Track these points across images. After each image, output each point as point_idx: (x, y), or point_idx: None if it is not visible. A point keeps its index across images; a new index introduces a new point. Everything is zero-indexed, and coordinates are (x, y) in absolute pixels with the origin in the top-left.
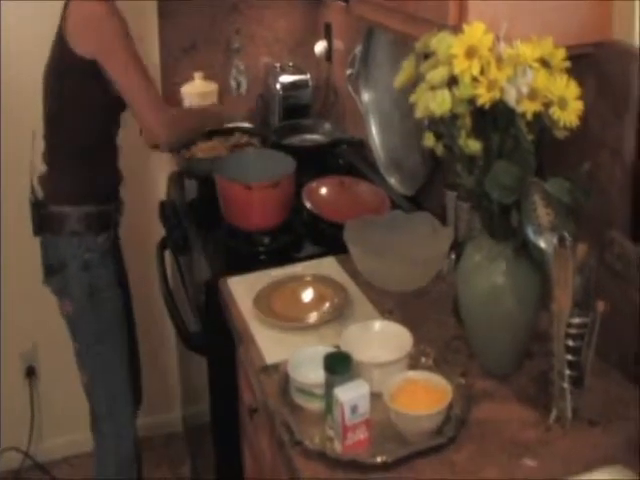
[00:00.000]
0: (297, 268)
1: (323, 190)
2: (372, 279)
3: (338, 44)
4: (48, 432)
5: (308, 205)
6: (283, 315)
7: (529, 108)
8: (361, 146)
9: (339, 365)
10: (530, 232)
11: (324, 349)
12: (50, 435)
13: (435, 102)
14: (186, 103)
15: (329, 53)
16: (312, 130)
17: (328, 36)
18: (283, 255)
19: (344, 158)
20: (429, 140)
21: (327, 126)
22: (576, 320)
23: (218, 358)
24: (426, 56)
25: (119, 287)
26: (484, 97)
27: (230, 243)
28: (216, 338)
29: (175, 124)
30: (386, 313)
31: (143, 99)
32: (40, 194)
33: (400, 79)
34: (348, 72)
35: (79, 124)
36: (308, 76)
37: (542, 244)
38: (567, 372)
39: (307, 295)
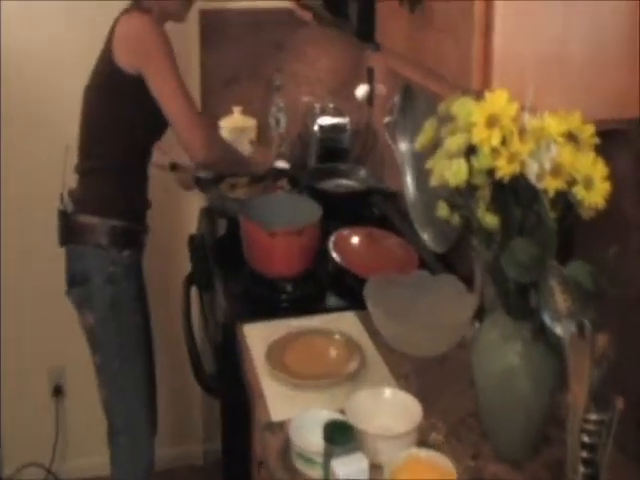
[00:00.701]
0: (315, 321)
1: (351, 240)
2: (391, 341)
3: (380, 89)
4: (72, 452)
5: (334, 255)
6: (294, 371)
7: (551, 185)
8: (396, 197)
9: (339, 435)
10: (547, 317)
11: (328, 414)
12: (74, 455)
13: (450, 171)
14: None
15: (371, 97)
16: (348, 175)
17: (370, 80)
18: (304, 305)
19: (378, 207)
20: (442, 210)
21: (363, 173)
22: (593, 416)
23: (232, 402)
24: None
25: (142, 304)
26: (504, 170)
27: (251, 288)
28: (231, 381)
29: (214, 147)
30: (401, 379)
31: (184, 116)
32: (69, 206)
33: (421, 141)
34: (386, 120)
35: (116, 142)
36: (347, 119)
37: (559, 331)
38: (581, 469)
39: (322, 352)
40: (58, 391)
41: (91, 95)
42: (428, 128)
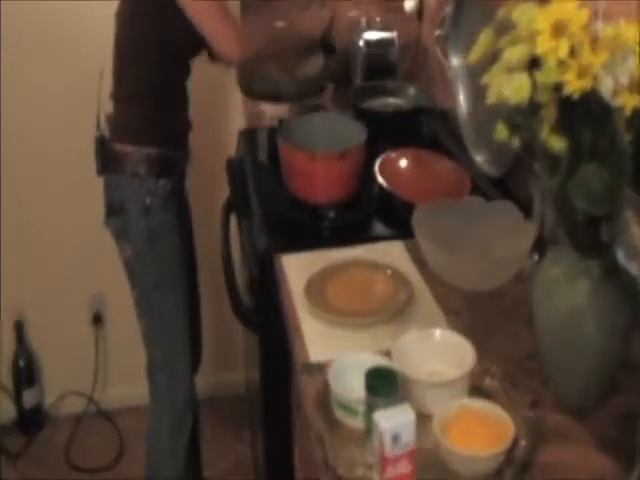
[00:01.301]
0: (359, 251)
1: (399, 164)
2: (441, 273)
3: (430, 1)
4: (113, 380)
5: (380, 179)
6: (336, 307)
7: (628, 102)
8: (447, 116)
9: (383, 385)
10: (620, 253)
11: (372, 358)
12: (115, 383)
13: (511, 87)
14: None
15: (420, 10)
16: (396, 94)
17: None
18: (347, 233)
19: (428, 128)
20: (501, 132)
21: (412, 91)
22: None
23: (270, 337)
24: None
25: (181, 235)
26: (573, 85)
27: (291, 215)
28: (269, 316)
29: (250, 41)
30: (452, 315)
31: (212, 15)
32: (106, 133)
33: (475, 53)
34: (437, 33)
35: (150, 62)
36: (395, 34)
37: (634, 270)
38: None
39: (366, 286)
40: (98, 319)
41: (119, 19)
42: (484, 38)
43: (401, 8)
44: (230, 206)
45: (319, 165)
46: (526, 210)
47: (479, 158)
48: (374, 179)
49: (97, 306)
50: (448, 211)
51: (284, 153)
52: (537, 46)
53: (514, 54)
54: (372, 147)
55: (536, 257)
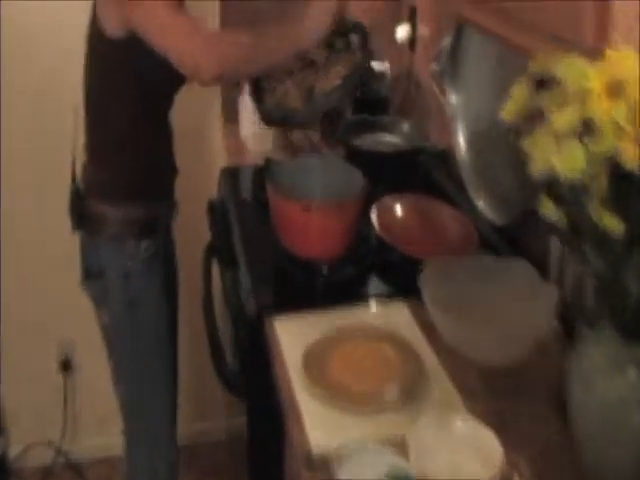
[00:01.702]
0: (359, 312)
1: (397, 211)
2: (453, 344)
3: (423, 30)
4: (83, 430)
5: (378, 230)
6: (338, 386)
7: None
8: (446, 157)
9: None
10: None
11: (386, 457)
12: (85, 433)
13: (561, 158)
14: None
15: (412, 40)
16: (388, 129)
17: (412, 20)
18: (345, 291)
19: (425, 168)
20: (547, 208)
21: (406, 127)
22: None
23: (259, 406)
24: (540, 82)
25: (165, 300)
26: (629, 154)
27: (281, 270)
28: (257, 383)
29: (226, 45)
30: (468, 395)
31: (171, 28)
32: (82, 186)
33: (510, 110)
34: (432, 67)
35: (125, 104)
36: (387, 65)
37: None
38: None
39: (370, 359)
40: (67, 365)
41: (87, 59)
42: (518, 94)
43: (391, 37)
44: (212, 251)
45: (314, 217)
46: (539, 264)
47: (481, 204)
48: (371, 229)
49: (66, 351)
50: (456, 271)
51: (275, 202)
52: (589, 108)
53: (563, 118)
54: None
55: (556, 324)
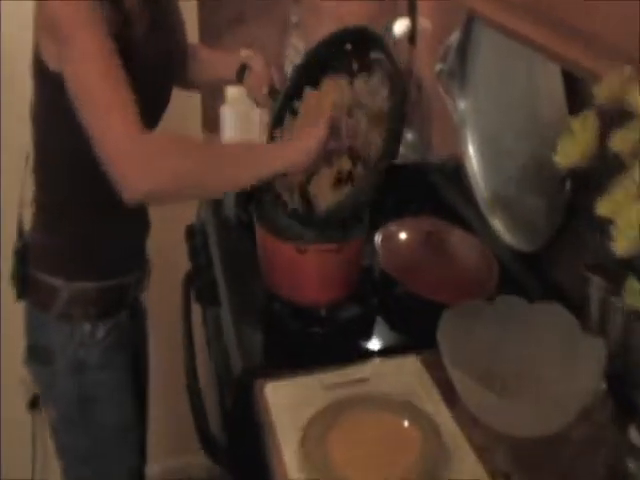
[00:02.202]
0: (364, 370)
1: (403, 238)
2: (478, 414)
3: (425, 23)
4: (53, 469)
5: (383, 264)
6: (344, 475)
7: None
8: (454, 170)
9: None
10: None
11: None
12: (55, 473)
13: None
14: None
15: (412, 34)
16: None
17: (412, 13)
18: (346, 341)
19: (431, 184)
20: (632, 295)
21: (408, 135)
22: None
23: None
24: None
25: (129, 393)
26: None
27: (271, 317)
28: (245, 454)
29: (170, 155)
30: (501, 478)
31: (100, 108)
32: (28, 248)
33: (568, 152)
34: (438, 67)
35: (72, 159)
36: None
37: None
38: None
39: (380, 437)
40: (35, 403)
41: (32, 107)
42: (581, 130)
43: (388, 32)
44: (191, 282)
45: (309, 260)
46: (572, 303)
47: (499, 226)
48: (375, 261)
49: (34, 389)
50: (479, 320)
51: (263, 241)
52: None
53: None
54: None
55: (604, 386)
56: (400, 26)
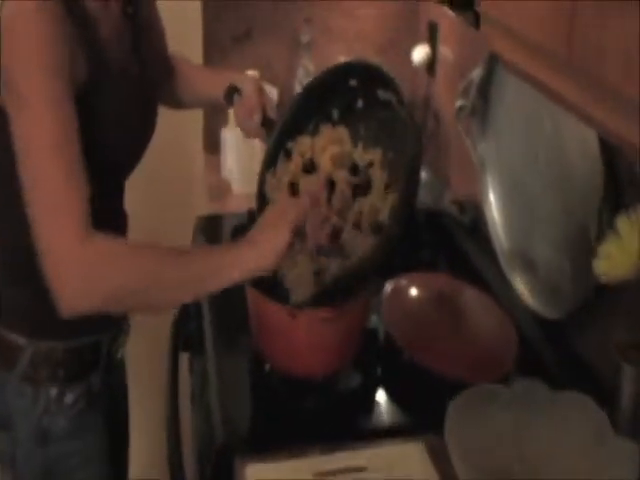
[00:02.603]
0: (363, 456)
1: (412, 297)
2: None
3: (445, 52)
4: None
5: (387, 326)
6: None
7: None
8: (474, 220)
9: None
10: None
11: None
12: None
13: None
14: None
15: (432, 63)
16: None
17: (432, 40)
18: (342, 418)
19: (446, 232)
20: None
21: (423, 174)
22: None
23: None
24: None
25: (103, 465)
26: None
27: (260, 386)
28: None
29: (119, 259)
30: None
31: (48, 200)
32: None
33: (620, 261)
34: (458, 103)
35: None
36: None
37: None
38: None
39: None
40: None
41: None
42: (630, 238)
43: (405, 57)
44: (179, 327)
45: (301, 326)
46: (599, 386)
47: (519, 285)
48: (379, 322)
49: None
50: (493, 406)
51: (251, 298)
52: None
53: None
54: None
55: None
56: (419, 53)
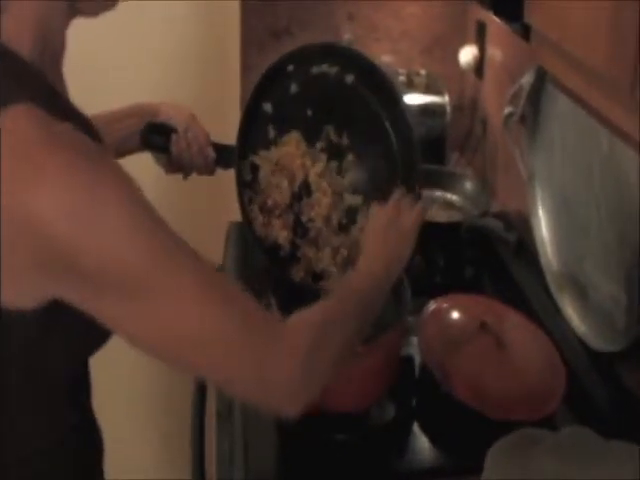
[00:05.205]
0: None
1: (451, 323)
2: None
3: (494, 54)
4: None
5: (424, 356)
6: None
7: None
8: (522, 241)
9: None
10: None
11: None
12: None
13: None
14: None
15: (480, 65)
16: (443, 185)
17: (481, 41)
18: (373, 458)
19: (493, 250)
20: None
21: (469, 185)
22: None
23: None
24: None
25: None
26: None
27: (284, 426)
28: None
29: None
30: None
31: (234, 341)
32: None
33: None
34: (507, 110)
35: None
36: (446, 99)
37: None
38: None
39: None
40: None
41: None
42: None
43: (452, 58)
44: None
45: None
46: None
47: (569, 312)
48: (413, 350)
49: None
50: (537, 454)
51: None
52: None
53: None
54: None
55: None
56: (466, 54)
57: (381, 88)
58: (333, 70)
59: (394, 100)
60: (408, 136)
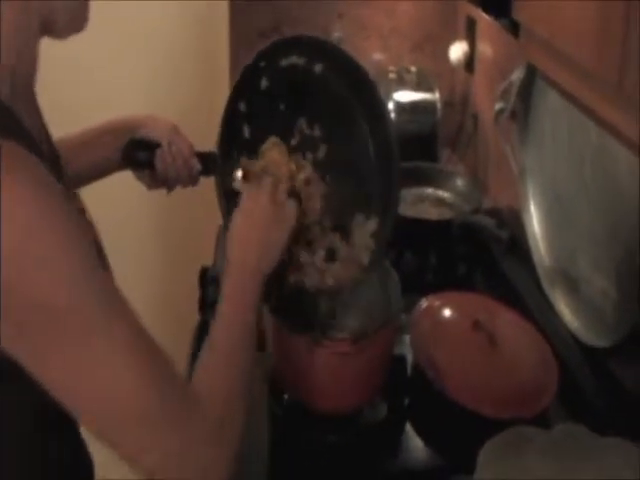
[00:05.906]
0: None
1: (443, 320)
2: None
3: (485, 50)
4: None
5: (415, 354)
6: None
7: None
8: (514, 237)
9: None
10: None
11: None
12: None
13: None
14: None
15: (470, 60)
16: (434, 182)
17: (471, 37)
18: (364, 457)
19: (483, 247)
20: None
21: (460, 182)
22: None
23: None
24: None
25: None
26: None
27: (276, 427)
28: None
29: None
30: None
31: (152, 406)
32: None
33: None
34: (497, 106)
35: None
36: (437, 95)
37: None
38: None
39: None
40: None
41: None
42: None
43: (442, 54)
44: (204, 332)
45: (322, 358)
46: None
47: (561, 307)
48: (404, 348)
49: None
50: (529, 452)
51: (274, 330)
52: None
53: None
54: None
55: None
56: (457, 50)
57: (349, 72)
58: (302, 61)
59: (363, 81)
60: (381, 112)
